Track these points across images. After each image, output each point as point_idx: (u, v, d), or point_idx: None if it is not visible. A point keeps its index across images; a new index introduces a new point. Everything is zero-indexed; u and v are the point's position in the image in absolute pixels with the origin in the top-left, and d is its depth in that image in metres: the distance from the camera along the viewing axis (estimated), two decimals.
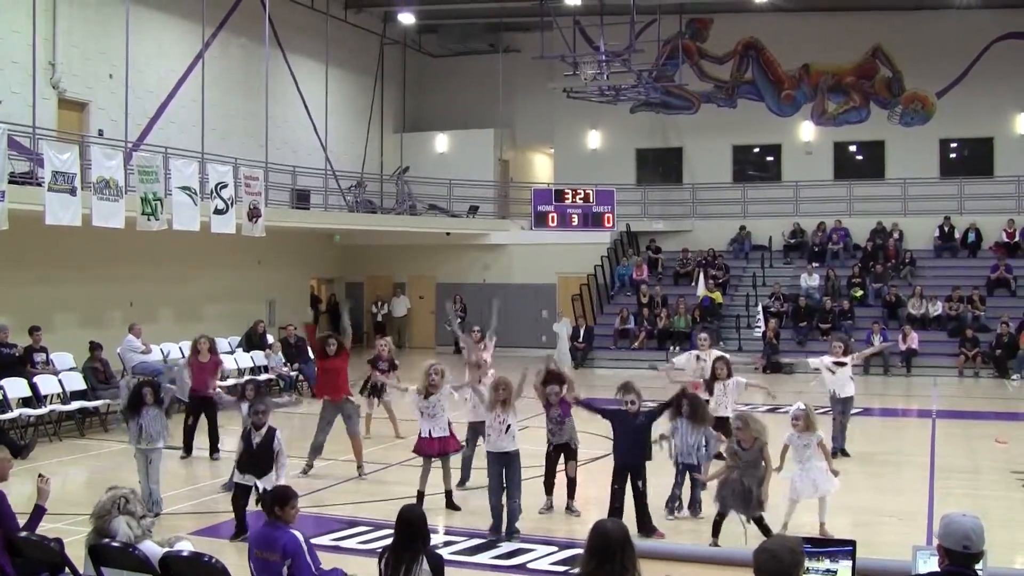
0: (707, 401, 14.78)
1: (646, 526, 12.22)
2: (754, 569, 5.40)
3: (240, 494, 12.14)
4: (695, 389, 15.79)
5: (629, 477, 12.29)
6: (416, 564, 7.58)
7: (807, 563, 6.57)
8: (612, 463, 12.71)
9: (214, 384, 18.20)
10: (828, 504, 12.05)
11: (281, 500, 8.34)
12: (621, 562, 5.94)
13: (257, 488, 11.83)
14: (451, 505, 13.66)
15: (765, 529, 11.35)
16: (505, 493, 12.48)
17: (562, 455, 13.42)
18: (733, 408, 15.12)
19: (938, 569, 5.87)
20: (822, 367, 17.50)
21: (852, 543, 7.43)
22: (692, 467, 13.02)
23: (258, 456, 11.95)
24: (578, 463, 13.57)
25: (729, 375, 15.68)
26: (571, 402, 13.20)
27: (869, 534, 11.47)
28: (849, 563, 7.11)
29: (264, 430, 12.04)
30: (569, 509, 13.45)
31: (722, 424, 14.70)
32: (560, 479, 13.53)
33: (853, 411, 18.29)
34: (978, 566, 5.74)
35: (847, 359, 17.31)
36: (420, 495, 13.47)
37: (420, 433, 13.63)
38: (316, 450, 16.09)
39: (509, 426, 12.46)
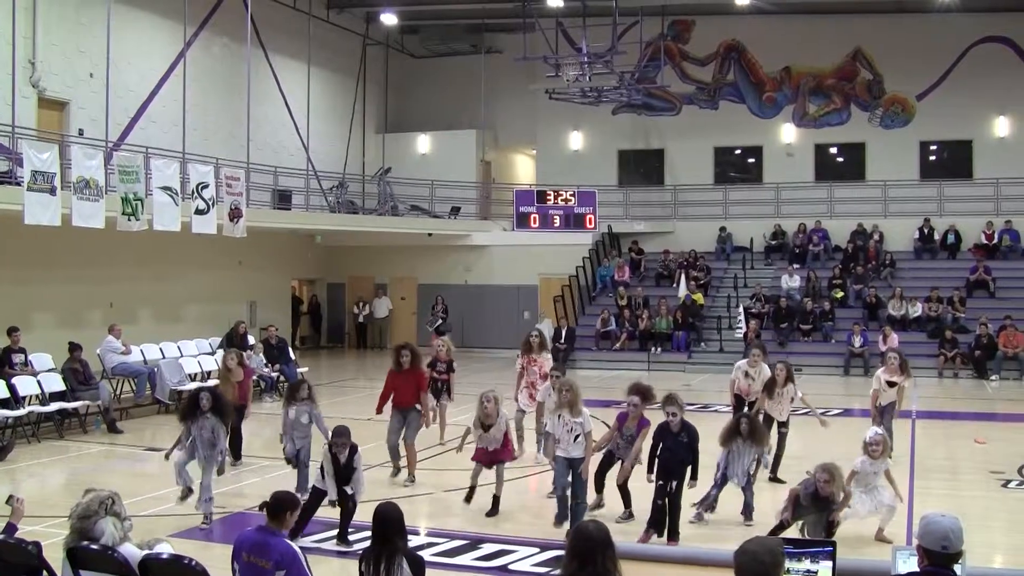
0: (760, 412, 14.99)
1: (674, 530, 12.13)
2: (735, 570, 5.39)
3: (315, 499, 12.23)
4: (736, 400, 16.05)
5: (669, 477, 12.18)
6: (395, 563, 7.56)
7: (787, 564, 6.58)
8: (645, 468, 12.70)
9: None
10: (891, 515, 12.03)
11: (285, 507, 8.24)
12: (603, 563, 5.93)
13: (344, 491, 12.07)
14: (494, 510, 13.42)
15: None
16: (570, 493, 12.43)
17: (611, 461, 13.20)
18: (787, 414, 15.58)
19: (917, 569, 5.88)
20: (878, 383, 17.14)
21: (832, 543, 7.44)
22: (744, 488, 12.91)
23: (346, 470, 12.14)
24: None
25: (788, 381, 15.67)
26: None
27: (849, 535, 11.48)
28: (829, 564, 7.11)
29: (347, 450, 12.18)
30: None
31: (780, 425, 15.30)
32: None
33: (834, 412, 18.31)
34: (957, 566, 5.75)
35: (900, 380, 16.94)
36: (471, 490, 13.53)
37: (476, 444, 13.72)
38: (394, 452, 15.66)
39: (578, 435, 12.41)
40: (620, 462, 13.04)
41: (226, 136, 31.63)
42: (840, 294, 33.49)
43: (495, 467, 13.59)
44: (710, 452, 13.11)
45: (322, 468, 12.23)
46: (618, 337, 33.20)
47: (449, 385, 18.30)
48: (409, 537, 8.07)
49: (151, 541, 8.04)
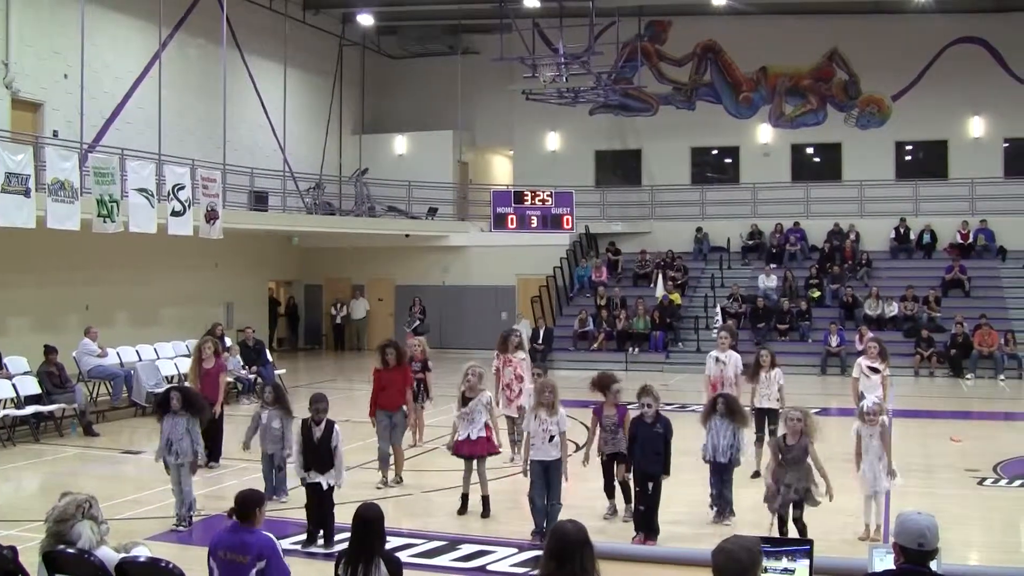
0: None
1: (651, 528, 12.13)
2: (713, 570, 5.40)
3: (311, 494, 12.21)
4: (715, 388, 16.05)
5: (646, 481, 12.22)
6: (373, 565, 7.55)
7: (765, 562, 6.59)
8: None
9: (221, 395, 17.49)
10: (882, 506, 12.10)
11: (253, 504, 8.24)
12: (581, 563, 5.92)
13: (323, 486, 12.05)
14: (487, 512, 13.44)
15: (803, 530, 11.34)
16: (546, 496, 12.42)
17: (615, 463, 13.11)
18: (776, 399, 15.62)
19: (894, 567, 5.90)
20: (859, 371, 17.26)
21: (809, 542, 7.46)
22: (724, 467, 13.00)
23: (320, 452, 12.13)
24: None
25: (773, 366, 15.83)
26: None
27: (826, 533, 11.51)
28: (807, 562, 7.14)
29: (323, 425, 12.20)
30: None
31: (764, 415, 15.35)
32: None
33: (812, 410, 18.28)
34: (933, 563, 5.77)
35: (881, 366, 17.12)
36: (464, 497, 13.59)
37: (458, 435, 13.65)
38: (384, 460, 15.45)
39: (553, 436, 12.35)
40: (616, 463, 13.08)
41: (202, 137, 31.53)
42: (817, 294, 33.60)
43: (476, 465, 13.58)
44: (692, 452, 13.19)
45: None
46: (596, 337, 33.22)
47: (426, 384, 18.35)
48: (388, 539, 8.05)
49: (128, 544, 8.00)
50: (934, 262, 34.65)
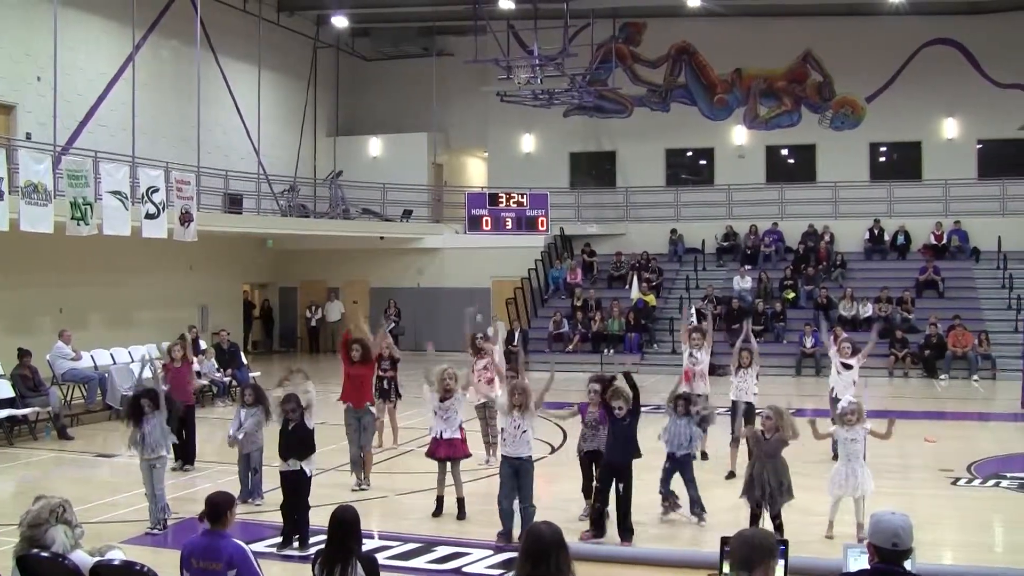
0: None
1: (626, 529, 12.15)
2: (729, 554, 5.81)
3: (288, 490, 12.23)
4: (687, 380, 16.40)
5: (614, 479, 12.26)
6: (350, 567, 7.54)
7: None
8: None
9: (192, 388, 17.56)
10: (866, 506, 12.12)
11: (224, 507, 8.23)
12: (556, 564, 5.93)
13: (305, 472, 12.08)
14: (462, 514, 13.47)
15: (780, 528, 11.38)
16: (518, 497, 12.40)
17: (593, 463, 13.18)
18: (754, 395, 15.96)
19: (868, 567, 5.92)
20: (834, 361, 17.53)
21: (784, 542, 7.46)
22: (683, 461, 13.07)
23: (298, 436, 12.18)
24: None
25: (752, 363, 16.12)
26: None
27: (801, 533, 11.54)
28: (781, 562, 7.14)
29: (298, 416, 12.24)
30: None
31: (745, 408, 15.42)
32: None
33: (789, 410, 18.36)
34: (907, 563, 5.80)
35: (854, 361, 17.25)
36: (439, 499, 13.62)
37: (432, 434, 13.68)
38: (356, 463, 15.42)
39: (525, 431, 12.32)
40: (594, 462, 13.12)
41: (176, 140, 31.43)
42: (791, 295, 33.70)
43: (451, 467, 13.59)
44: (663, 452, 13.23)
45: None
46: (571, 339, 33.25)
47: (396, 382, 18.37)
48: (364, 541, 8.05)
49: (103, 548, 7.98)
50: (908, 263, 34.81)
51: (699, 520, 12.88)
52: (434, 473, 13.74)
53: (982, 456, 17.64)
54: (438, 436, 13.55)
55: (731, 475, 15.18)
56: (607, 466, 12.39)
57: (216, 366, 25.52)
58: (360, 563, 7.62)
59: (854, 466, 12.24)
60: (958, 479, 15.82)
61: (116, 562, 7.77)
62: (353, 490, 14.94)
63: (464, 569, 11.41)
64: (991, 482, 15.64)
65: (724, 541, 7.51)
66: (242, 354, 27.44)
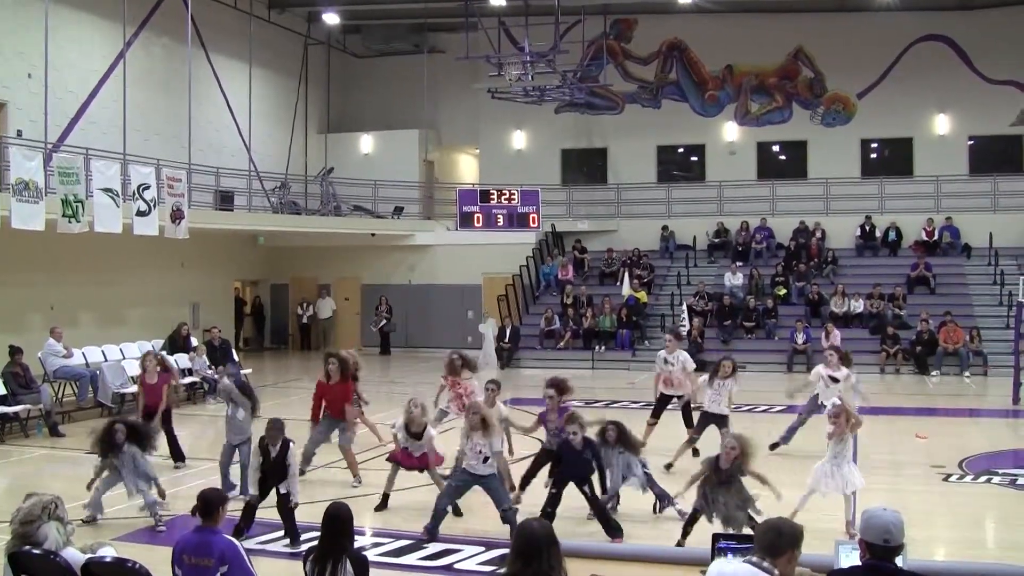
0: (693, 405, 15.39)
1: (611, 528, 12.12)
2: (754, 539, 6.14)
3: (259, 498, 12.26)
4: (666, 384, 16.76)
5: (572, 484, 12.27)
6: (341, 564, 7.56)
7: (729, 559, 6.65)
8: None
9: (169, 402, 17.31)
10: (856, 502, 12.14)
11: (215, 503, 8.27)
12: (548, 561, 5.95)
13: (278, 490, 12.05)
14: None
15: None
16: (493, 503, 12.41)
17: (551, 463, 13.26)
18: (726, 406, 15.72)
19: (859, 563, 5.94)
20: (819, 378, 17.39)
21: None
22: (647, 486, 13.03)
23: (276, 467, 12.06)
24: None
25: (732, 374, 15.83)
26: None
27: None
28: None
29: (279, 445, 12.12)
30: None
31: (717, 420, 15.45)
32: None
33: (778, 408, 18.49)
34: (898, 559, 5.81)
35: (840, 375, 17.20)
36: (385, 497, 13.72)
37: (399, 444, 13.81)
38: (308, 457, 15.48)
39: (487, 458, 12.31)
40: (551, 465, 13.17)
41: (167, 137, 31.39)
42: (783, 291, 33.70)
43: (427, 472, 13.68)
44: (650, 450, 13.22)
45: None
46: (562, 336, 33.26)
47: (358, 393, 18.32)
48: (356, 538, 8.06)
49: (94, 545, 7.99)
50: (899, 259, 34.84)
51: (676, 510, 12.85)
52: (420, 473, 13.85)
53: (973, 452, 17.67)
54: (405, 448, 13.68)
55: (669, 466, 15.18)
56: (560, 476, 12.41)
57: (208, 363, 25.51)
58: (350, 560, 7.65)
59: (839, 463, 12.24)
60: (950, 475, 15.84)
61: (107, 559, 7.78)
62: (354, 486, 15.06)
63: (456, 566, 11.41)
64: (983, 478, 15.64)
65: (716, 538, 7.56)
66: (233, 351, 27.41)
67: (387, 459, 14.04)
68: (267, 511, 12.32)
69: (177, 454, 16.98)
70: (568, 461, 12.37)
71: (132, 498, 13.13)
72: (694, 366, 17.06)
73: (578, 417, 12.49)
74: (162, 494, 13.27)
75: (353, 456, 15.73)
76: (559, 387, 13.58)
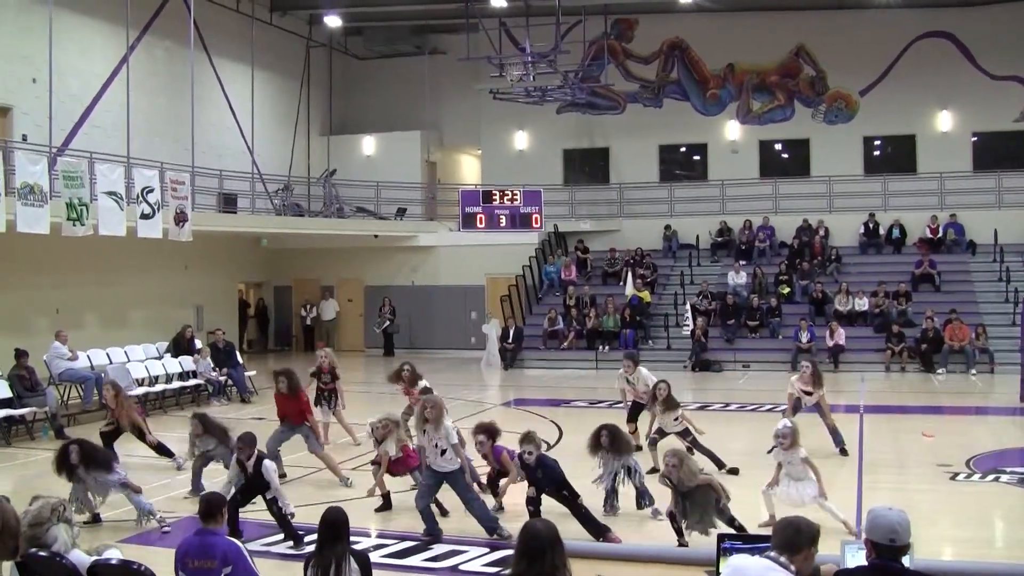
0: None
1: (597, 529, 12.05)
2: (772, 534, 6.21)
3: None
4: (634, 395, 17.02)
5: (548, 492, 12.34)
6: (344, 564, 7.60)
7: (733, 558, 6.66)
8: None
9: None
10: (833, 507, 12.11)
11: (217, 506, 8.32)
12: (552, 562, 5.96)
13: (264, 497, 12.21)
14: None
15: (741, 529, 11.37)
16: (461, 502, 12.50)
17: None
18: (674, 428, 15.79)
19: (865, 563, 5.94)
20: (792, 389, 17.51)
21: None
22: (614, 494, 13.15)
23: (254, 480, 12.20)
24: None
25: (667, 405, 15.78)
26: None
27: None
28: None
29: (253, 460, 12.22)
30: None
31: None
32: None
33: (781, 407, 18.49)
34: (904, 559, 5.81)
35: (814, 390, 17.24)
36: (386, 497, 13.87)
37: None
38: (272, 457, 15.55)
39: (444, 451, 12.38)
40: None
41: (170, 140, 31.41)
42: (787, 290, 33.65)
43: (412, 475, 13.86)
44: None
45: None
46: (565, 336, 33.24)
47: (337, 393, 18.36)
48: (357, 540, 8.09)
49: (100, 547, 8.01)
50: (904, 257, 34.79)
51: (651, 512, 12.97)
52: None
53: (980, 451, 17.58)
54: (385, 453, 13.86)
55: (653, 470, 15.16)
56: (537, 487, 12.40)
57: (212, 365, 25.56)
58: (354, 559, 7.72)
59: (798, 485, 12.19)
60: (957, 474, 15.74)
61: (113, 561, 7.81)
62: (347, 486, 15.15)
63: (460, 567, 11.42)
64: (990, 477, 15.56)
65: (721, 538, 7.56)
66: (237, 353, 27.42)
67: (372, 462, 14.19)
68: (263, 513, 12.36)
69: (166, 453, 17.02)
70: (531, 480, 12.40)
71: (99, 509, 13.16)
72: (654, 380, 16.83)
73: (533, 437, 12.45)
74: (137, 490, 13.17)
75: (331, 459, 15.84)
76: (488, 432, 13.49)
